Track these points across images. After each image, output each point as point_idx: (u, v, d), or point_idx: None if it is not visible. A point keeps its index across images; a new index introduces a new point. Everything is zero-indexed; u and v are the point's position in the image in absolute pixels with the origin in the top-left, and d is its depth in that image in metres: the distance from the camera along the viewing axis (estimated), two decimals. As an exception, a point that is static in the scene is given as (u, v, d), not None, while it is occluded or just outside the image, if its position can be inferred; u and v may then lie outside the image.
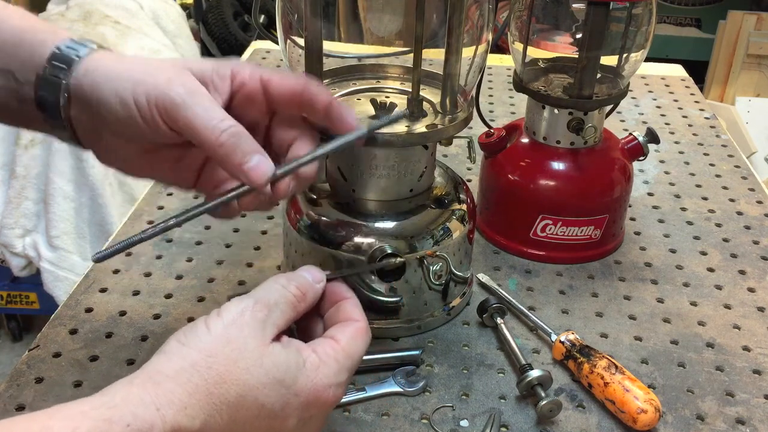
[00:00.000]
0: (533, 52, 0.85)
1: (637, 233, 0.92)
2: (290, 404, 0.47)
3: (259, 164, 0.51)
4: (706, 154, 1.11)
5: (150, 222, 0.90)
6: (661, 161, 1.09)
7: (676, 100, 1.28)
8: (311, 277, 0.53)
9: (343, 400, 0.65)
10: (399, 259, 0.66)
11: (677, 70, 1.41)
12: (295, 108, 0.55)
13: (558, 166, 0.83)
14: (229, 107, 0.54)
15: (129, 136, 0.53)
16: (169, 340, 0.47)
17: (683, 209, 0.97)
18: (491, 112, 1.22)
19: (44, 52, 0.53)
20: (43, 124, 0.56)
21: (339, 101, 0.55)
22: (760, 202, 0.99)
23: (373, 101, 0.70)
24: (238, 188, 0.53)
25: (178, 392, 0.43)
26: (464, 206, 0.73)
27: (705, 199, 0.99)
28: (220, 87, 0.53)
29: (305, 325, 0.55)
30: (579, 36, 0.80)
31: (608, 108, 0.87)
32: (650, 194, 1.00)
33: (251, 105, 0.54)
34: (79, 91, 0.53)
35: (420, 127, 0.66)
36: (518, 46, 0.84)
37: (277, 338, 0.49)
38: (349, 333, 0.52)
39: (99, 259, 0.53)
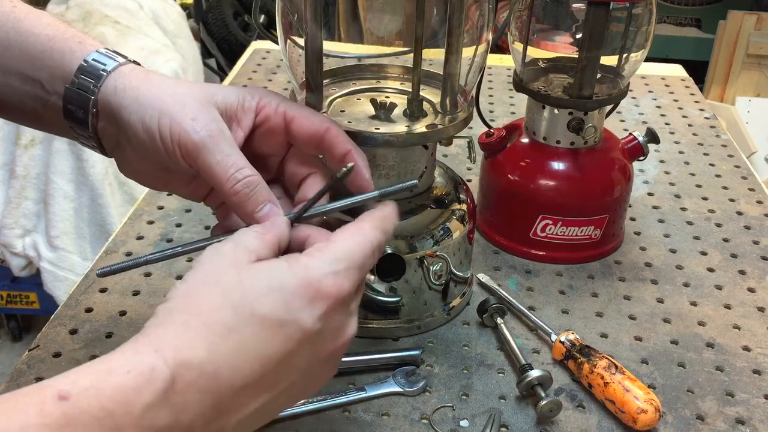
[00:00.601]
0: (533, 52, 0.85)
1: (637, 233, 0.92)
2: (292, 306, 0.44)
3: (269, 213, 0.52)
4: (706, 154, 1.11)
5: (150, 222, 0.90)
6: (661, 161, 1.09)
7: (676, 100, 1.28)
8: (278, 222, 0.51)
9: (343, 400, 0.65)
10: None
11: (677, 70, 1.41)
12: (313, 149, 0.56)
13: (558, 166, 0.83)
14: (249, 138, 0.55)
15: (150, 157, 0.54)
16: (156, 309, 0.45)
17: (683, 209, 0.97)
18: (491, 112, 1.22)
19: (72, 63, 0.54)
20: (70, 132, 0.57)
21: (358, 152, 0.55)
22: (760, 202, 0.99)
23: (373, 101, 0.70)
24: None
25: (171, 332, 0.41)
26: (464, 206, 0.73)
27: (705, 199, 0.99)
28: (243, 121, 0.54)
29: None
30: (579, 36, 0.80)
31: (608, 108, 0.87)
32: (650, 194, 1.00)
33: (272, 138, 0.56)
34: (107, 108, 0.54)
35: (420, 127, 0.66)
36: (518, 46, 0.84)
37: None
38: (342, 232, 0.49)
39: (104, 274, 0.53)
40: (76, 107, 0.54)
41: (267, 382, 0.44)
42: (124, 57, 0.56)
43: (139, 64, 0.57)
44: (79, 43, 0.55)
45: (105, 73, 0.53)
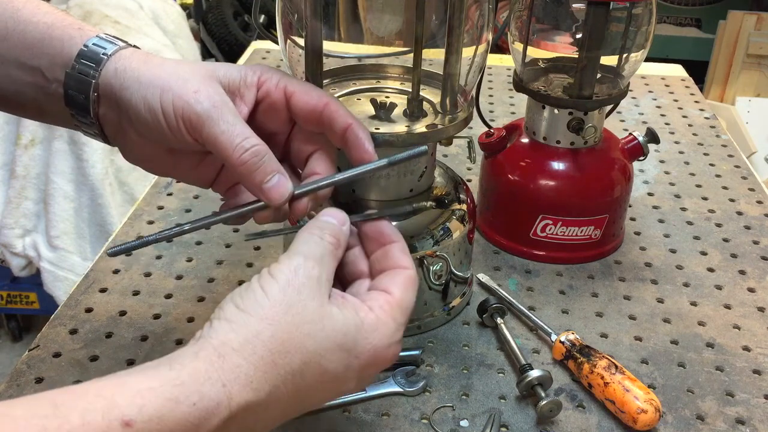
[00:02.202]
0: (533, 52, 0.85)
1: (637, 233, 0.92)
2: (351, 367, 0.47)
3: (278, 184, 0.52)
4: (706, 154, 1.11)
5: (150, 222, 0.90)
6: (661, 161, 1.09)
7: (676, 100, 1.28)
8: (336, 221, 0.52)
9: (343, 399, 0.65)
10: (430, 203, 0.68)
11: (677, 70, 1.41)
12: (314, 124, 0.55)
13: (558, 166, 0.83)
14: (252, 115, 0.55)
15: (154, 138, 0.54)
16: (225, 302, 0.46)
17: (683, 209, 0.97)
18: (491, 112, 1.22)
19: (72, 49, 0.53)
20: (70, 121, 0.56)
21: (359, 125, 0.55)
22: (760, 202, 0.99)
23: (373, 101, 0.70)
24: (254, 203, 0.54)
25: (244, 366, 0.42)
26: (464, 206, 0.73)
27: (705, 199, 0.99)
28: (246, 96, 0.54)
29: (347, 261, 0.54)
30: (579, 36, 0.80)
31: (608, 108, 0.87)
32: (650, 194, 1.00)
33: (274, 115, 0.55)
34: (108, 91, 0.53)
35: (420, 127, 0.66)
36: (518, 46, 0.84)
37: (330, 295, 0.48)
38: (401, 284, 0.51)
39: (114, 254, 0.54)
40: (77, 92, 0.53)
41: (295, 411, 0.47)
42: (125, 41, 0.55)
43: (139, 49, 0.56)
44: (78, 29, 0.55)
45: (105, 57, 0.53)
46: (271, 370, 0.43)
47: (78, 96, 0.54)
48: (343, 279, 0.53)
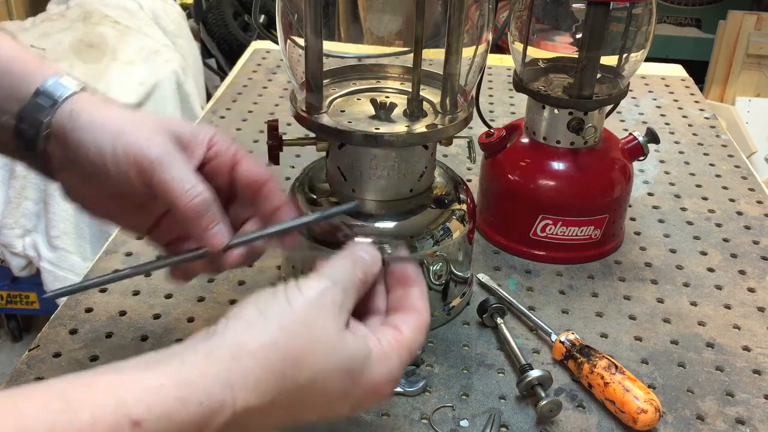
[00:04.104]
0: (533, 52, 0.85)
1: (637, 233, 0.92)
2: (350, 394, 0.48)
3: (220, 231, 0.54)
4: (706, 154, 1.11)
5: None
6: (661, 161, 1.09)
7: (676, 100, 1.28)
8: (370, 259, 0.53)
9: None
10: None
11: (677, 70, 1.41)
12: (250, 194, 0.57)
13: (558, 166, 0.83)
14: (198, 171, 0.56)
15: (98, 181, 0.54)
16: (245, 303, 0.46)
17: (683, 209, 0.97)
18: (491, 112, 1.22)
19: (30, 85, 0.54)
20: (15, 151, 0.57)
21: (287, 210, 0.57)
22: (760, 202, 0.99)
23: (373, 101, 0.70)
24: (193, 251, 0.55)
25: (256, 370, 0.43)
26: (464, 206, 0.73)
27: (705, 199, 0.99)
28: (196, 152, 0.55)
29: (368, 295, 0.55)
30: (579, 36, 0.80)
31: (608, 108, 0.87)
32: (650, 194, 1.00)
33: (218, 177, 0.57)
34: (59, 131, 0.54)
35: (420, 127, 0.66)
36: (518, 46, 0.84)
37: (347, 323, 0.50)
38: (412, 325, 0.52)
39: (52, 297, 0.55)
40: (29, 126, 0.54)
41: (287, 423, 0.48)
42: (83, 84, 0.57)
43: (97, 93, 0.58)
44: (39, 67, 0.56)
45: (62, 98, 0.54)
46: (279, 380, 0.44)
47: (28, 130, 0.54)
48: (359, 311, 0.54)
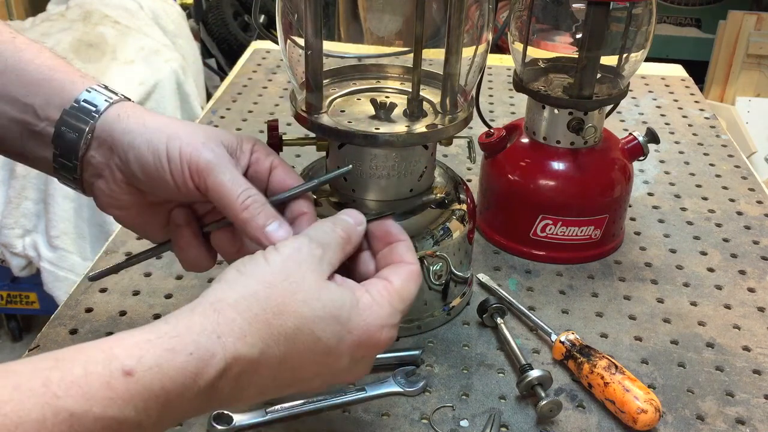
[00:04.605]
0: (533, 52, 0.85)
1: (637, 233, 0.92)
2: (344, 341, 0.48)
3: (279, 229, 0.54)
4: (706, 154, 1.11)
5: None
6: (661, 161, 1.09)
7: (676, 100, 1.28)
8: (353, 220, 0.54)
9: (343, 399, 0.65)
10: (434, 196, 0.70)
11: (677, 70, 1.41)
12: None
13: (558, 166, 0.83)
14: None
15: (147, 185, 0.56)
16: (227, 269, 0.48)
17: (683, 209, 0.97)
18: (491, 112, 1.22)
19: (72, 92, 0.56)
20: (44, 161, 0.58)
21: (311, 213, 0.58)
22: (760, 202, 0.99)
23: (373, 101, 0.70)
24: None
25: (239, 321, 0.44)
26: (464, 206, 0.73)
27: (705, 199, 0.99)
28: (241, 160, 0.58)
29: (357, 262, 0.56)
30: (579, 36, 0.80)
31: (608, 108, 0.87)
32: (650, 194, 1.00)
33: (257, 182, 0.58)
34: (105, 134, 0.55)
35: (420, 127, 0.66)
36: (518, 46, 0.84)
37: (331, 277, 0.50)
38: (402, 275, 0.53)
39: (93, 278, 0.61)
40: (71, 131, 0.55)
41: (287, 384, 0.49)
42: (126, 96, 0.58)
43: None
44: (81, 77, 0.58)
45: (108, 103, 0.56)
46: (264, 328, 0.45)
47: (70, 134, 0.55)
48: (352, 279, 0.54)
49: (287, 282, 0.47)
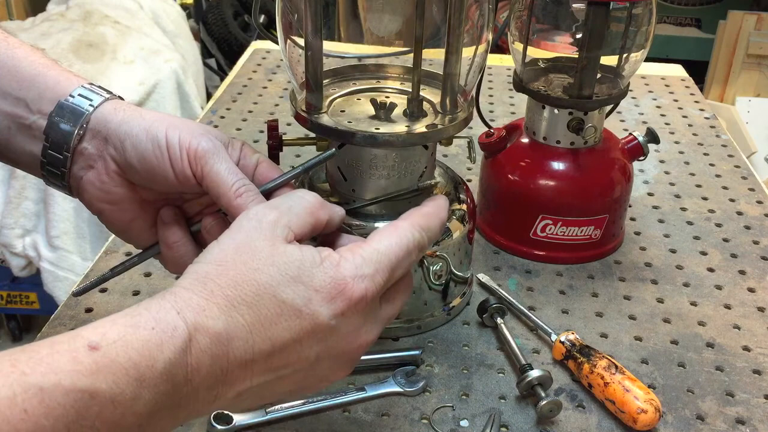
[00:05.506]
0: (533, 52, 0.85)
1: (637, 233, 0.92)
2: (313, 300, 0.47)
3: None
4: (706, 154, 1.11)
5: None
6: (661, 161, 1.09)
7: (676, 100, 1.28)
8: (312, 197, 0.54)
9: (343, 399, 0.65)
10: (434, 180, 0.70)
11: (677, 70, 1.41)
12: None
13: (558, 166, 0.83)
14: None
15: (142, 174, 0.57)
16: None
17: (683, 209, 0.97)
18: (491, 112, 1.22)
19: (69, 86, 0.57)
20: (29, 156, 0.58)
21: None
22: (760, 202, 0.99)
23: (373, 101, 0.70)
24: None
25: (195, 299, 0.44)
26: (464, 206, 0.73)
27: (705, 199, 0.99)
28: (232, 155, 0.59)
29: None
30: (579, 36, 0.80)
31: (608, 108, 0.87)
32: (650, 194, 1.00)
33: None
34: (101, 125, 0.57)
35: (420, 127, 0.66)
36: (518, 46, 0.84)
37: (292, 241, 0.49)
38: (378, 232, 0.52)
39: (78, 294, 0.62)
40: (65, 121, 0.56)
41: (273, 363, 0.46)
42: (120, 96, 0.60)
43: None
44: (75, 76, 0.59)
45: (103, 98, 0.57)
46: (222, 302, 0.45)
47: (64, 125, 0.56)
48: None
49: (237, 255, 0.47)
